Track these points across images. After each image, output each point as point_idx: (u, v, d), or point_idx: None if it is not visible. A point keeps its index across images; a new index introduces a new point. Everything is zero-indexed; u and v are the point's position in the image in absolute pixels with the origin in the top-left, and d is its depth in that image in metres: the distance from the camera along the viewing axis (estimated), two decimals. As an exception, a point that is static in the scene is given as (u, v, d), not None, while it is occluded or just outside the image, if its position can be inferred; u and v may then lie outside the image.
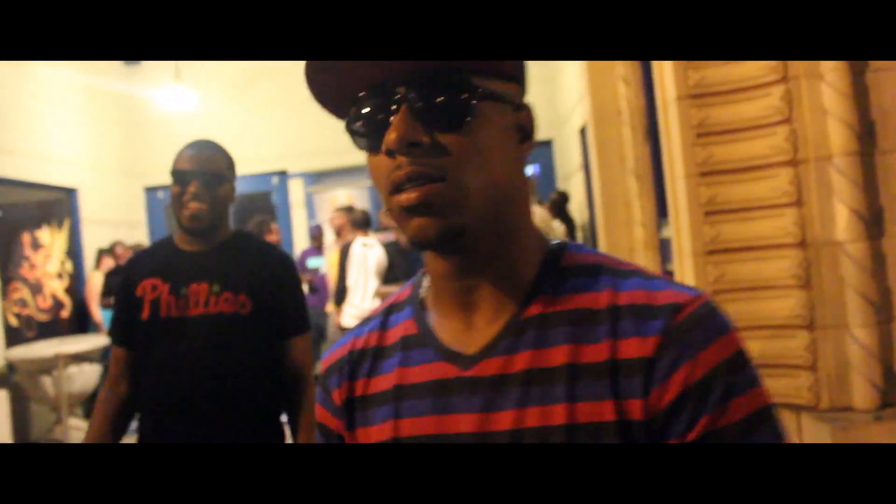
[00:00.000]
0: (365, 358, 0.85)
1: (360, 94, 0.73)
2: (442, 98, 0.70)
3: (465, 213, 0.71)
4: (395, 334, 0.84)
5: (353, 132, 0.75)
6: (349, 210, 6.96)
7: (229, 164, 2.11)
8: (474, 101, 0.71)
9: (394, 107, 0.70)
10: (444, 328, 0.79)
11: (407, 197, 0.70)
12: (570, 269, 0.77)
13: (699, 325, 0.69)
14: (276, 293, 2.09)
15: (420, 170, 0.69)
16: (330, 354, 0.90)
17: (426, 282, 0.84)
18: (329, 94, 0.75)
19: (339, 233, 6.87)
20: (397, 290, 0.90)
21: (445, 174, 0.70)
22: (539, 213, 5.06)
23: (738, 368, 0.69)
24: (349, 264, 5.65)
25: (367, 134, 0.74)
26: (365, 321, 0.90)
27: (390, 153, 0.70)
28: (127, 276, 2.12)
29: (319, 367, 0.92)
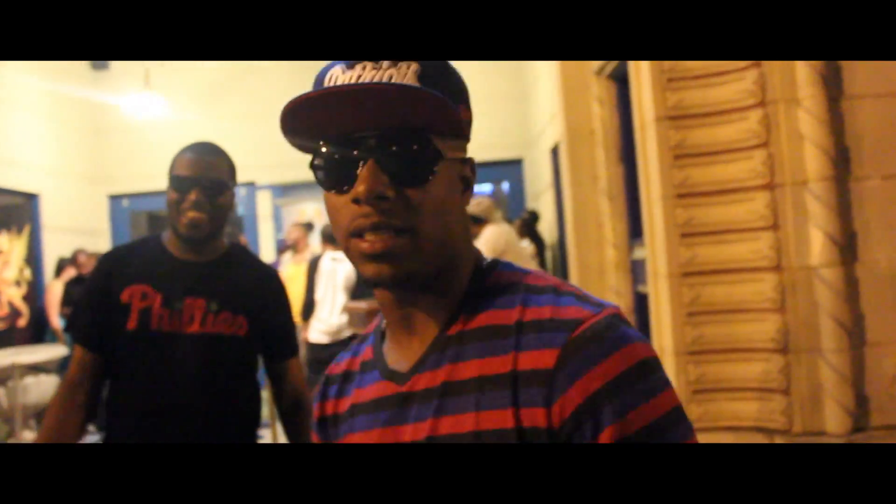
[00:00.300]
0: (336, 381, 0.96)
1: (328, 139, 0.80)
2: (408, 156, 0.78)
3: (419, 261, 0.79)
4: (359, 361, 0.94)
5: (316, 169, 0.82)
6: (308, 226, 6.89)
7: (231, 170, 1.98)
8: (437, 161, 0.79)
9: (361, 159, 0.77)
10: (391, 351, 0.88)
11: (370, 245, 0.77)
12: (493, 288, 0.84)
13: (597, 339, 0.74)
14: (272, 316, 2.02)
15: (386, 221, 0.77)
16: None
17: None
18: (298, 136, 0.81)
19: (296, 247, 6.82)
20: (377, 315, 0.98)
21: (409, 227, 0.78)
22: (507, 232, 5.04)
23: (635, 380, 0.72)
24: (318, 278, 5.58)
25: (331, 175, 0.80)
26: (346, 349, 1.00)
27: (357, 201, 0.77)
28: (107, 276, 1.95)
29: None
